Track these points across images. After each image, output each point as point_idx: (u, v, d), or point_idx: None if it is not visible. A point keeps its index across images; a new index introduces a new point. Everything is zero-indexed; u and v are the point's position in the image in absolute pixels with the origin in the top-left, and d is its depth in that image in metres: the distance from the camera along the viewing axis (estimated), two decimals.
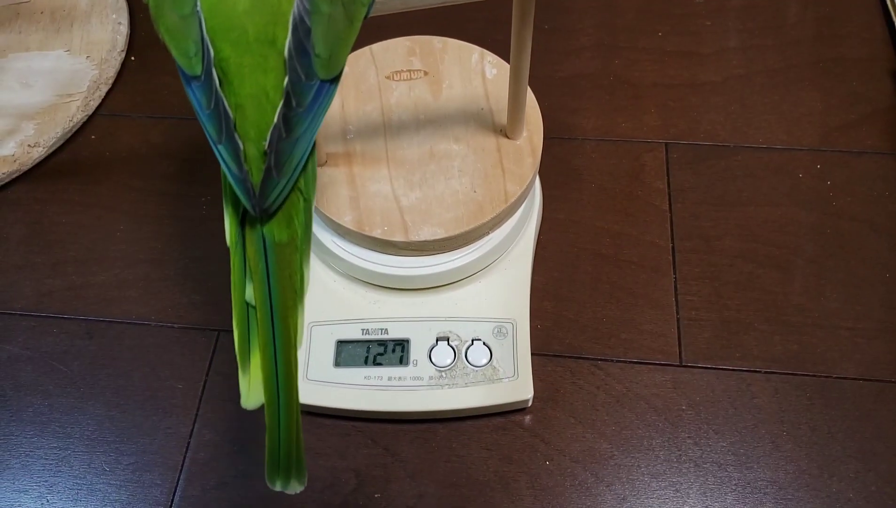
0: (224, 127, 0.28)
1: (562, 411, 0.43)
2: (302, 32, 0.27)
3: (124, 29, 0.62)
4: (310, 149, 0.29)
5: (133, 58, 0.61)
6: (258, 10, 0.27)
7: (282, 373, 0.29)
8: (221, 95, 0.28)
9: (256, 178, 0.28)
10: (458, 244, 0.43)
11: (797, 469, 0.41)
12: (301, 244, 0.30)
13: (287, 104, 0.28)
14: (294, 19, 0.27)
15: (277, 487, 0.29)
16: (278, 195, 0.28)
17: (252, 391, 0.29)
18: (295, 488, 0.29)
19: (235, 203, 0.30)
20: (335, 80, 0.29)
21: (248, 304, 0.29)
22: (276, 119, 0.28)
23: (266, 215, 0.29)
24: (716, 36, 0.59)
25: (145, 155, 0.55)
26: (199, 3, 0.27)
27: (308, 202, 0.30)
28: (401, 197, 0.43)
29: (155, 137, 0.56)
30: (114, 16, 0.62)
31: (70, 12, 0.62)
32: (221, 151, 0.28)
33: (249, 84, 0.27)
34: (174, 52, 0.28)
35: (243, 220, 0.30)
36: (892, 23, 0.59)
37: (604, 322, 0.46)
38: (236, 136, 0.28)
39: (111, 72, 0.59)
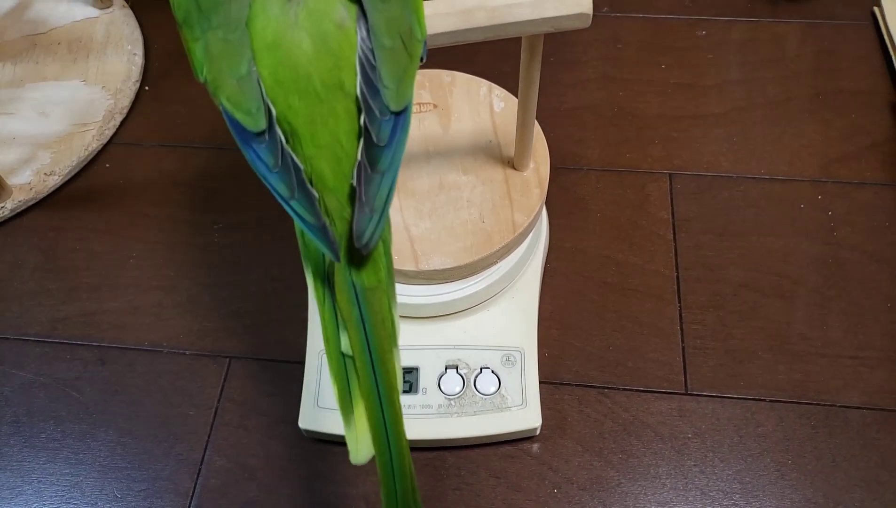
0: (295, 182, 0.27)
1: (569, 439, 0.44)
2: (369, 69, 0.28)
3: (139, 59, 0.63)
4: (395, 183, 0.28)
5: (147, 88, 0.62)
6: (322, 57, 0.27)
7: (389, 419, 0.28)
8: (289, 150, 0.27)
9: (340, 228, 0.28)
10: (467, 273, 0.44)
11: (803, 498, 0.41)
12: (387, 287, 0.29)
13: (368, 141, 0.28)
14: (360, 59, 0.27)
15: None
16: (372, 232, 0.28)
17: (361, 444, 0.28)
18: None
19: (316, 259, 0.29)
20: (405, 111, 0.28)
21: (343, 355, 0.29)
22: (359, 156, 0.27)
23: (360, 257, 0.28)
24: (718, 69, 0.61)
25: (158, 183, 0.56)
26: (254, 62, 0.27)
27: (387, 244, 0.29)
28: (411, 227, 0.43)
29: (168, 165, 0.58)
30: (129, 47, 0.64)
31: (86, 43, 0.64)
32: (295, 207, 0.27)
33: (322, 134, 0.27)
34: (237, 115, 0.27)
35: (327, 274, 0.29)
36: (890, 56, 0.60)
37: (610, 350, 0.47)
38: (310, 187, 0.27)
39: (126, 101, 0.61)
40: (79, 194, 0.56)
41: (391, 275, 0.30)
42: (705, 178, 0.55)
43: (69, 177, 0.57)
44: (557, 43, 0.62)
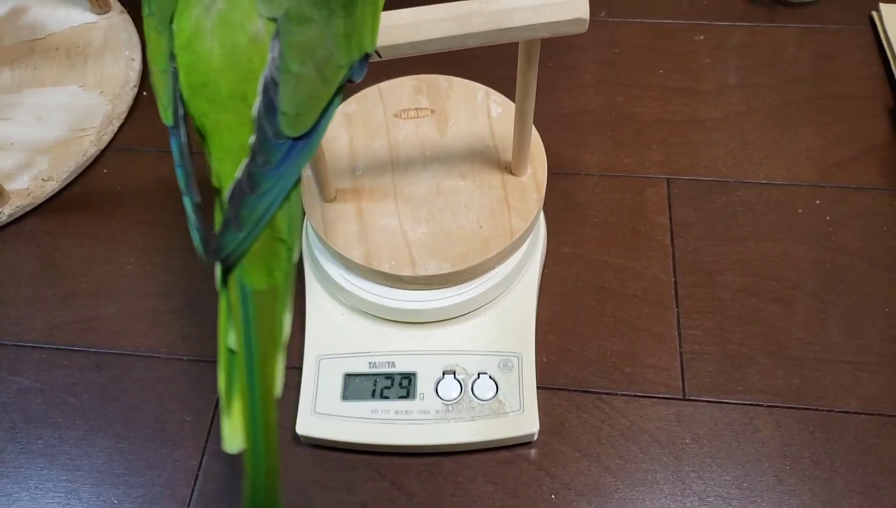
0: (191, 181, 0.29)
1: (567, 444, 0.44)
2: (272, 91, 0.27)
3: (137, 65, 0.63)
4: (277, 205, 0.29)
5: (145, 93, 0.63)
6: (231, 67, 0.27)
7: (261, 419, 0.29)
8: (187, 149, 0.29)
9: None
10: (465, 279, 0.44)
11: (800, 504, 0.41)
12: (282, 293, 0.29)
13: (252, 160, 0.28)
14: (265, 78, 0.27)
15: None
16: (236, 248, 0.28)
17: (233, 435, 0.29)
18: None
19: None
20: (306, 137, 0.28)
21: (230, 349, 0.29)
22: (238, 174, 0.28)
23: (226, 265, 0.29)
24: (716, 73, 0.61)
25: (155, 189, 0.56)
26: (176, 60, 0.28)
27: (290, 251, 0.30)
28: (408, 232, 0.43)
29: (165, 170, 0.58)
30: (127, 52, 0.64)
31: (84, 49, 0.64)
32: (185, 202, 0.29)
33: (228, 138, 0.28)
34: (159, 105, 0.29)
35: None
36: (888, 61, 0.60)
37: (608, 356, 0.47)
38: (194, 188, 0.29)
39: (124, 107, 0.61)
40: (76, 199, 0.56)
41: (289, 281, 0.30)
42: (703, 182, 0.55)
43: (67, 183, 0.57)
44: (555, 48, 0.62)
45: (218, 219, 0.29)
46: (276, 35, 0.27)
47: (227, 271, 0.29)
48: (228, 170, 0.28)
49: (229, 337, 0.29)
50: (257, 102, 0.28)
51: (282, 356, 0.29)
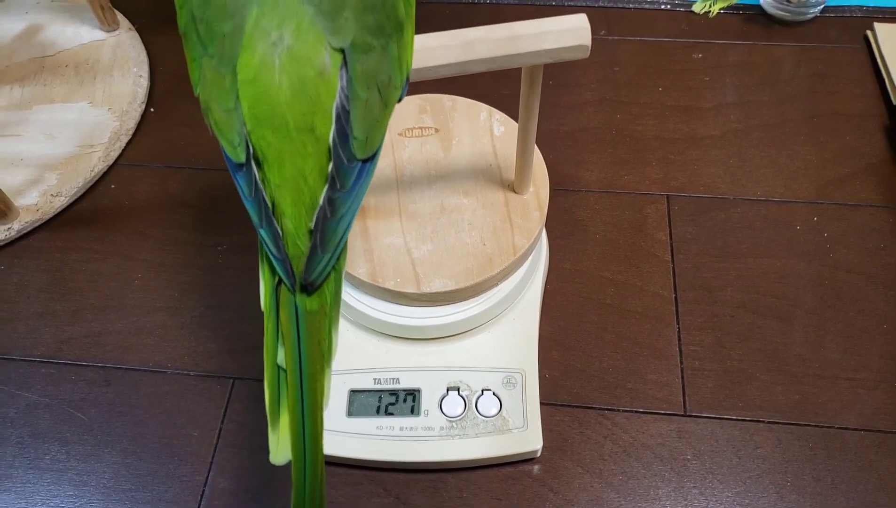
0: (264, 213, 0.29)
1: (570, 460, 0.44)
2: (343, 119, 0.29)
3: (144, 81, 0.64)
4: (350, 226, 0.30)
5: (152, 109, 0.63)
6: (298, 101, 0.29)
7: (309, 433, 0.30)
8: (261, 184, 0.30)
9: (292, 250, 0.30)
10: (468, 296, 0.44)
11: None
12: (330, 311, 0.31)
13: (332, 187, 0.29)
14: (337, 107, 0.29)
15: None
16: (322, 270, 0.30)
17: (280, 448, 0.30)
18: None
19: (271, 273, 0.31)
20: (372, 158, 0.30)
21: (278, 366, 0.31)
22: (321, 201, 0.29)
23: (311, 290, 0.30)
24: (714, 91, 0.62)
25: (163, 204, 0.57)
26: (238, 95, 0.29)
27: (338, 273, 0.31)
28: (413, 249, 0.44)
29: (172, 186, 0.58)
30: (135, 69, 0.65)
31: (93, 66, 0.65)
32: (262, 234, 0.30)
33: (289, 167, 0.29)
34: (222, 143, 0.30)
35: (277, 288, 0.31)
36: (883, 79, 0.61)
37: (610, 372, 0.47)
38: (275, 221, 0.30)
39: (131, 123, 0.62)
40: (84, 215, 0.57)
41: (337, 300, 0.31)
42: (703, 200, 0.55)
43: (75, 198, 0.57)
44: (556, 66, 0.63)
45: (270, 249, 0.30)
46: (344, 65, 0.29)
47: (277, 293, 0.31)
48: (286, 197, 0.29)
49: (278, 355, 0.30)
50: (332, 131, 0.29)
51: (329, 371, 0.31)
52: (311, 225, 0.30)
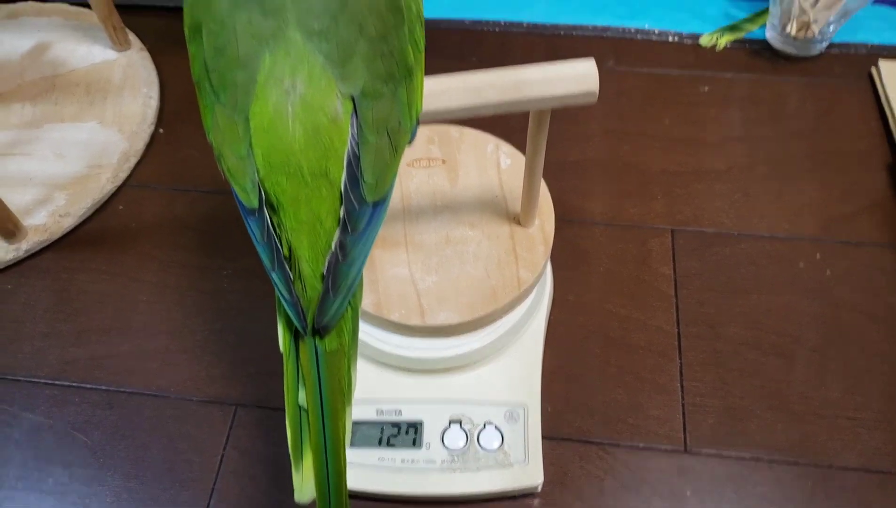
0: (276, 257, 0.30)
1: (570, 495, 0.44)
2: (354, 164, 0.30)
3: (154, 102, 0.65)
4: (362, 269, 0.31)
5: (161, 130, 0.64)
6: (313, 147, 0.29)
7: (332, 470, 0.31)
8: (275, 229, 0.30)
9: (310, 293, 0.30)
10: (472, 328, 0.44)
11: None
12: (349, 350, 0.31)
13: (344, 230, 0.30)
14: (348, 153, 0.30)
15: None
16: (334, 313, 0.30)
17: (305, 486, 0.31)
18: None
19: (289, 316, 0.31)
20: (382, 202, 0.31)
21: (300, 407, 0.31)
22: (333, 247, 0.30)
23: (323, 333, 0.31)
24: (720, 125, 0.62)
25: (170, 226, 0.58)
26: (251, 142, 0.29)
27: (355, 311, 0.32)
28: (418, 281, 0.44)
29: (179, 208, 0.59)
30: (145, 90, 0.65)
31: (104, 85, 0.66)
32: (275, 278, 0.30)
33: (304, 211, 0.30)
34: (235, 188, 0.30)
35: (295, 330, 0.31)
36: (886, 118, 0.62)
37: (612, 406, 0.48)
38: (286, 265, 0.30)
39: (140, 144, 0.62)
40: (92, 235, 0.57)
41: (355, 338, 0.32)
42: (707, 234, 0.56)
43: (83, 219, 0.58)
44: None
45: (282, 293, 0.30)
46: (354, 112, 0.29)
47: (296, 335, 0.31)
48: (303, 241, 0.30)
49: (299, 396, 0.31)
50: (343, 177, 0.30)
51: (350, 408, 0.31)
52: (324, 269, 0.30)
